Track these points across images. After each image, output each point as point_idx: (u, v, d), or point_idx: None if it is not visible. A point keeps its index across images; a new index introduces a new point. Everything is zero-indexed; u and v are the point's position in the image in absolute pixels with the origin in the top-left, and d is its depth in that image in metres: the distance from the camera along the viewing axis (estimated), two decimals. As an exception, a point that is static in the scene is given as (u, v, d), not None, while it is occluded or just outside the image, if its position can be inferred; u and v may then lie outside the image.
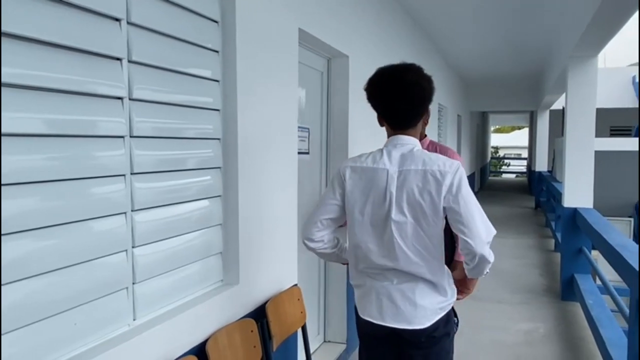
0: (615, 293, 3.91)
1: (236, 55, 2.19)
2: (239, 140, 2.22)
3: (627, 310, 3.38)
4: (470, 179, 13.93)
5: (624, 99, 12.93)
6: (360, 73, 3.88)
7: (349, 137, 3.69)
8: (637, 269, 2.82)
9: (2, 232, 1.27)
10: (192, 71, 1.99)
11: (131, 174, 1.70)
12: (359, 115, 3.87)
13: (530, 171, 16.89)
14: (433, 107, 7.97)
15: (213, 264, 2.18)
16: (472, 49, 7.99)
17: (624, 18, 3.86)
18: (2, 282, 1.28)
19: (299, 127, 3.23)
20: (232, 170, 2.22)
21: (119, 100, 1.64)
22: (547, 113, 12.62)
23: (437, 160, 1.72)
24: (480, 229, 1.70)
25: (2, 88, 1.27)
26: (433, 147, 2.84)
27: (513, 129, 39.08)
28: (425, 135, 2.93)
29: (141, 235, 1.75)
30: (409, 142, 1.80)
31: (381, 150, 1.82)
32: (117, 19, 1.63)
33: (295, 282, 2.86)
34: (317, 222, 1.88)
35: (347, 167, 1.84)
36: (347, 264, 1.98)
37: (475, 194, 12.36)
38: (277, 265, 2.64)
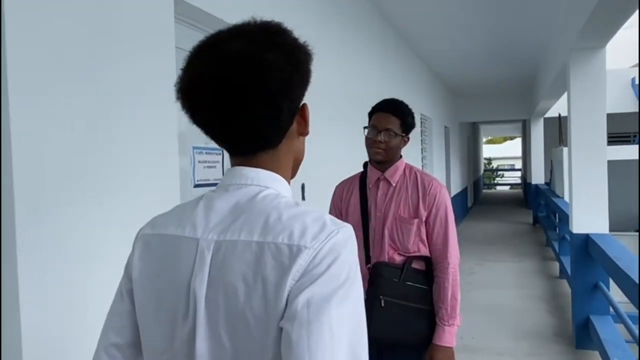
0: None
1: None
2: (16, 181, 1.22)
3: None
4: (463, 194, 12.99)
5: (622, 104, 12.08)
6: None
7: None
8: None
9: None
10: None
11: None
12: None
13: (526, 183, 15.99)
14: (415, 118, 7.05)
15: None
16: (452, 50, 7.07)
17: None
18: None
19: (197, 148, 2.25)
20: None
21: None
22: (541, 121, 11.74)
23: (298, 221, 0.81)
24: None
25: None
26: (411, 175, 2.19)
27: (505, 139, 38.44)
28: (400, 157, 2.24)
29: None
30: (252, 179, 0.88)
31: (199, 199, 0.91)
32: None
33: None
34: (101, 354, 0.89)
35: (141, 236, 0.92)
36: None
37: (469, 209, 11.52)
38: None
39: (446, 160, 9.84)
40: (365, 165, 2.30)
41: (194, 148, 2.23)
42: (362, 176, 2.27)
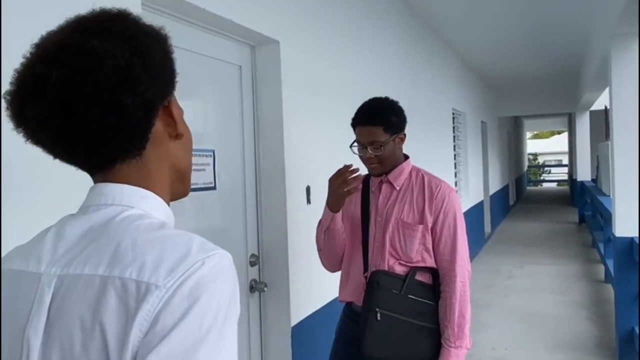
0: None
1: None
2: None
3: None
4: (504, 192, 12.47)
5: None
6: (301, 65, 2.71)
7: (286, 157, 2.51)
8: None
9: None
10: None
11: None
12: (304, 125, 2.69)
13: (572, 180, 15.25)
14: (445, 113, 6.75)
15: None
16: (485, 40, 6.69)
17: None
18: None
19: (181, 149, 2.07)
20: None
21: None
22: (587, 115, 11.10)
23: (155, 248, 0.65)
24: None
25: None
26: (418, 178, 1.99)
27: (552, 133, 37.05)
28: (407, 158, 2.05)
29: None
30: (114, 198, 0.72)
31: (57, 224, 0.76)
32: None
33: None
34: None
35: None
36: None
37: (511, 208, 11.06)
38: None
39: (483, 158, 9.42)
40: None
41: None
42: (367, 177, 2.06)
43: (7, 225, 1.21)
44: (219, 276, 0.64)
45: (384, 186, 1.99)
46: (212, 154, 2.26)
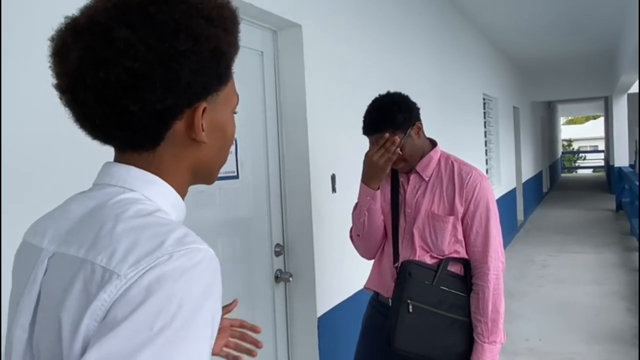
0: None
1: None
2: None
3: None
4: (537, 179, 12.17)
5: None
6: (325, 50, 2.63)
7: (310, 145, 2.45)
8: None
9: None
10: None
11: None
12: (328, 112, 2.62)
13: (609, 166, 14.78)
14: (475, 99, 6.55)
15: None
16: (516, 21, 6.46)
17: None
18: None
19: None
20: None
21: None
22: (624, 98, 10.69)
23: (131, 235, 0.61)
24: None
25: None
26: (448, 166, 1.89)
27: (587, 119, 36.05)
28: (434, 145, 1.94)
29: None
30: (118, 179, 0.70)
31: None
32: None
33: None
34: None
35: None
36: None
37: (545, 195, 10.77)
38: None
39: (515, 144, 9.18)
40: None
41: (199, 139, 2.02)
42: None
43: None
44: (188, 273, 0.57)
45: (412, 177, 1.90)
46: (234, 142, 2.21)
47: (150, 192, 0.69)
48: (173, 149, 0.70)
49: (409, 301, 1.73)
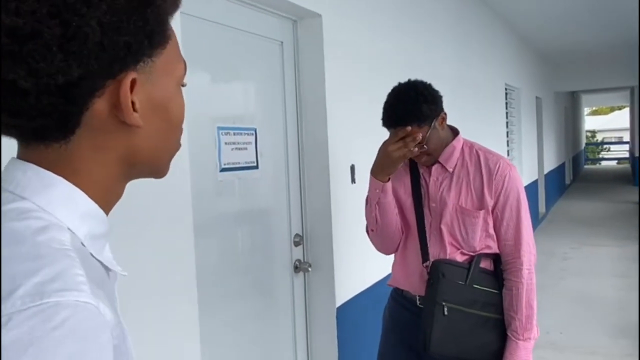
0: None
1: None
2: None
3: None
4: (559, 170, 11.99)
5: None
6: (344, 40, 2.62)
7: (329, 135, 2.44)
8: None
9: None
10: None
11: None
12: (347, 102, 2.61)
13: (634, 158, 14.47)
14: (497, 89, 6.45)
15: None
16: (540, 7, 6.33)
17: None
18: None
19: (223, 128, 2.04)
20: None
21: None
22: (652, 87, 10.44)
23: None
24: None
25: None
26: (472, 155, 1.80)
27: (612, 109, 35.29)
28: (456, 133, 1.84)
29: None
30: (12, 181, 0.52)
31: None
32: None
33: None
34: None
35: None
36: None
37: (567, 187, 10.54)
38: None
39: (538, 134, 9.04)
40: None
41: (219, 128, 2.03)
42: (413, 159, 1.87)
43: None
44: (38, 343, 0.39)
45: (434, 168, 1.79)
46: (253, 132, 2.22)
47: (46, 199, 0.51)
48: (94, 138, 0.53)
49: (443, 303, 1.66)
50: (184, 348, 1.65)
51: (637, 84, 10.64)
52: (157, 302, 1.53)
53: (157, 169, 0.63)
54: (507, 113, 6.66)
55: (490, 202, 1.72)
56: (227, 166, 2.07)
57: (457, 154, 1.78)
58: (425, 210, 1.79)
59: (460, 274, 1.70)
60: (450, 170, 1.77)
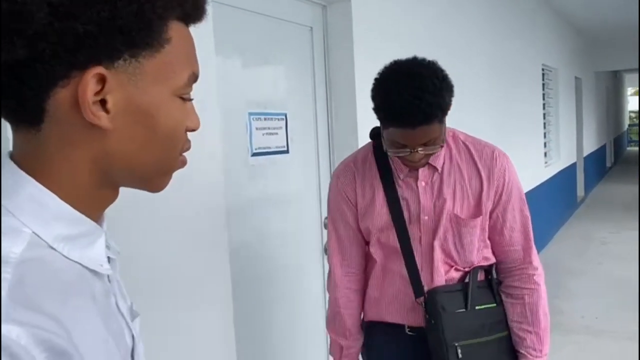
0: None
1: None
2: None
3: None
4: (600, 152, 11.65)
5: None
6: (374, 24, 2.61)
7: (359, 120, 2.45)
8: None
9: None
10: None
11: None
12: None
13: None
14: (533, 69, 6.27)
15: None
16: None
17: None
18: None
19: (254, 114, 2.08)
20: None
21: None
22: (700, 65, 9.97)
23: None
24: None
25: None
26: (459, 147, 1.46)
27: (657, 89, 33.89)
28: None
29: None
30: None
31: None
32: None
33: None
34: None
35: None
36: None
37: (608, 170, 10.18)
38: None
39: (577, 116, 8.79)
40: (375, 135, 1.50)
41: (250, 114, 2.07)
42: (379, 157, 1.47)
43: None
44: None
45: (420, 170, 1.41)
46: (284, 117, 2.25)
47: (14, 202, 0.49)
48: (61, 132, 0.50)
49: (455, 344, 1.39)
50: (217, 328, 1.72)
51: (684, 62, 10.18)
52: (191, 284, 1.60)
53: (143, 180, 0.57)
54: (544, 94, 6.50)
55: (488, 204, 1.43)
56: (258, 151, 2.11)
57: (444, 148, 1.41)
58: (413, 228, 1.43)
59: (459, 300, 1.42)
60: (439, 168, 1.42)
